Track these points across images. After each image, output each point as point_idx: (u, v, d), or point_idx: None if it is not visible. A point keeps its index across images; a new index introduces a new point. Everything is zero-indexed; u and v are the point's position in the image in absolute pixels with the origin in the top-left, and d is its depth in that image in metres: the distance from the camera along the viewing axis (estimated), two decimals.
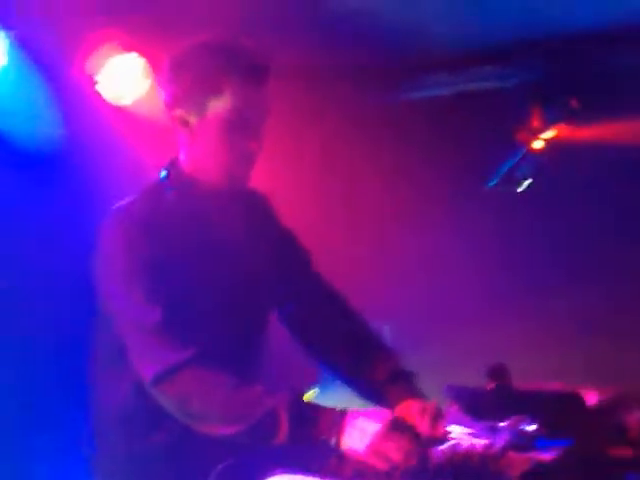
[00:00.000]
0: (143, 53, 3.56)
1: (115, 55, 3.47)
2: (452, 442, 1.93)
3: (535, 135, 4.57)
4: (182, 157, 2.09)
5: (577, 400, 2.16)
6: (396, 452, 1.73)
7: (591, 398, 2.31)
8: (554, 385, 2.30)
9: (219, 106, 1.99)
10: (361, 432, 1.75)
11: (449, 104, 4.56)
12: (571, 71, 4.26)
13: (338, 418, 1.78)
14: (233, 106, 1.98)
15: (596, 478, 1.95)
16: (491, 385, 2.19)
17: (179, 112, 2.02)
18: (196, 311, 1.91)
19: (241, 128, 2.00)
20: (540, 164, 4.68)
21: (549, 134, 4.53)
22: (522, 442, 1.94)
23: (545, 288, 4.66)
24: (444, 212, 4.79)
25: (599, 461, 2.03)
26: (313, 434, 1.76)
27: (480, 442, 1.92)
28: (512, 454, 1.87)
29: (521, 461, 1.84)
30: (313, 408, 1.82)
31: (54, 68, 3.18)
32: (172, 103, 2.03)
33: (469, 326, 4.53)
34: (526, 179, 4.81)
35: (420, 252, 4.74)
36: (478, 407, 2.12)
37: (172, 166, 2.10)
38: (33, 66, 3.09)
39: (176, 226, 2.00)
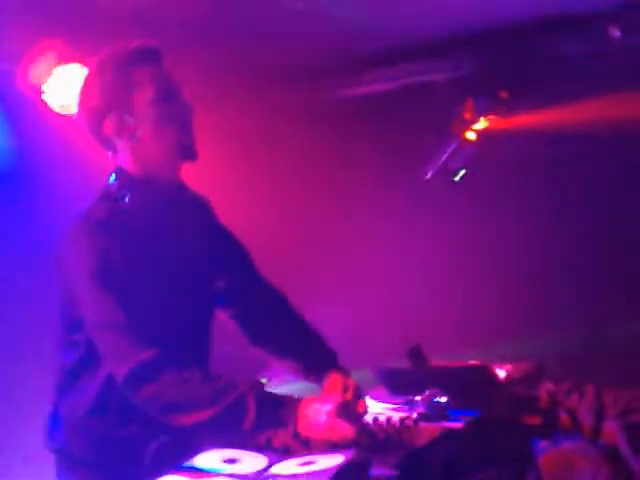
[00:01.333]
0: (85, 63, 3.70)
1: (58, 65, 3.60)
2: (372, 416, 2.16)
3: (468, 126, 4.75)
4: (125, 162, 2.17)
5: (485, 373, 2.38)
6: (349, 428, 1.91)
7: (504, 371, 2.55)
8: (465, 362, 2.51)
9: (140, 95, 2.11)
10: (315, 414, 1.93)
11: (389, 98, 4.72)
12: (500, 63, 4.44)
13: (295, 404, 1.97)
14: (153, 88, 2.12)
15: (504, 443, 2.15)
16: (409, 364, 2.40)
17: (113, 118, 2.11)
18: (156, 307, 2.03)
19: (169, 103, 2.13)
20: (473, 154, 4.87)
21: (481, 125, 4.71)
22: (435, 413, 2.17)
23: (482, 273, 4.89)
24: (388, 199, 4.98)
25: (506, 428, 2.26)
26: (275, 420, 1.94)
27: (397, 415, 2.15)
28: (424, 424, 2.09)
29: (431, 430, 2.05)
30: (274, 396, 2.00)
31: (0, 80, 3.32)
32: (103, 112, 2.12)
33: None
34: (461, 169, 5.00)
35: (361, 235, 4.94)
36: (400, 385, 2.34)
37: (119, 170, 2.18)
38: None
39: (132, 225, 2.09)
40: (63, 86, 3.63)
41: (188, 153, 2.18)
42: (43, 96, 3.58)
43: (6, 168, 3.38)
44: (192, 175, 2.32)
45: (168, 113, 2.13)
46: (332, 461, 1.65)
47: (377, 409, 2.26)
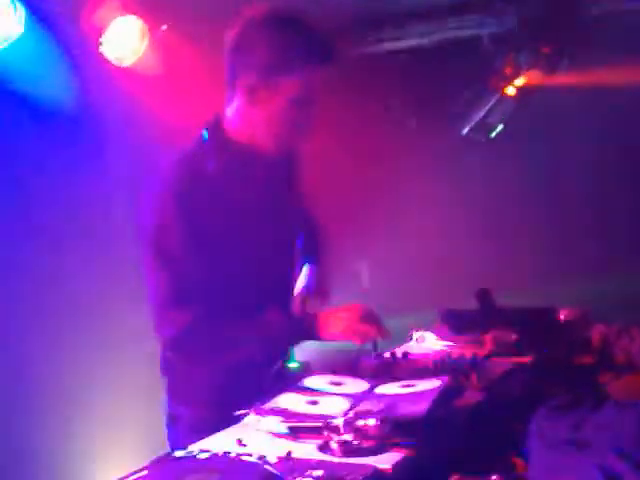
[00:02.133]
0: (140, 15, 3.80)
1: (115, 17, 3.69)
2: (445, 352, 2.32)
3: (508, 81, 4.82)
4: (231, 118, 2.23)
5: (550, 315, 2.54)
6: (372, 327, 2.11)
7: (561, 315, 2.70)
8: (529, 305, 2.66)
9: (290, 85, 2.12)
10: (336, 319, 2.14)
11: (428, 53, 4.79)
12: (544, 19, 4.48)
13: (315, 315, 2.20)
14: (301, 85, 2.13)
15: (563, 380, 2.30)
16: (477, 306, 2.56)
17: (246, 80, 2.15)
18: (236, 263, 2.18)
19: (303, 106, 2.17)
20: (512, 110, 4.95)
21: (521, 80, 4.78)
22: (503, 350, 2.33)
23: (524, 223, 5.01)
24: (427, 156, 5.09)
25: (566, 366, 2.41)
26: (300, 332, 2.18)
27: (469, 351, 2.31)
28: (495, 359, 2.25)
29: (502, 364, 2.21)
30: (294, 315, 2.30)
31: (63, 33, 3.43)
32: (239, 71, 2.16)
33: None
34: (498, 125, 5.09)
35: (404, 196, 5.06)
36: (467, 325, 2.49)
37: (215, 126, 2.24)
38: (45, 33, 3.32)
39: (220, 186, 2.18)
40: (120, 38, 3.74)
41: (285, 154, 2.33)
42: (100, 47, 3.67)
43: (70, 114, 3.51)
44: None
45: (295, 117, 2.19)
46: (431, 384, 1.80)
47: (446, 346, 2.42)
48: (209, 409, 2.17)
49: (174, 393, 2.31)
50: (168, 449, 2.14)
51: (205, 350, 2.16)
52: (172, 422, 2.32)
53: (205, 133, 2.26)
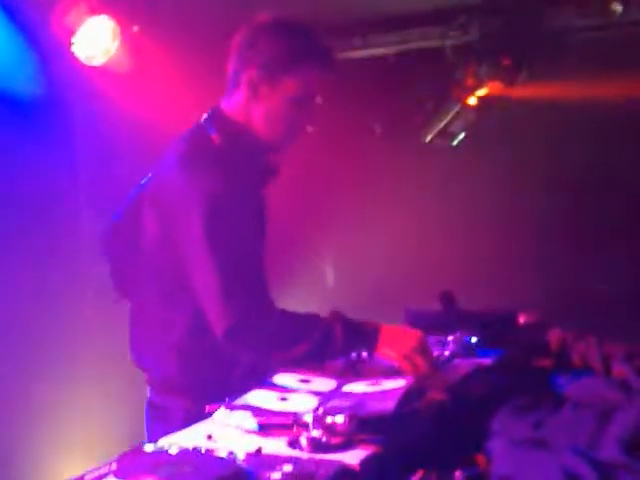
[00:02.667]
0: (111, 15, 3.81)
1: (87, 18, 3.70)
2: None
3: (469, 92, 4.93)
4: (234, 108, 2.32)
5: (511, 319, 2.61)
6: (424, 363, 2.09)
7: (520, 318, 2.77)
8: (491, 308, 2.73)
9: (292, 84, 2.25)
10: (395, 340, 2.11)
11: (392, 63, 4.87)
12: (504, 31, 4.60)
13: (377, 327, 2.15)
14: (302, 85, 2.25)
15: (523, 381, 2.37)
16: (441, 307, 2.62)
17: (249, 75, 2.26)
18: (252, 256, 2.20)
19: (300, 106, 2.28)
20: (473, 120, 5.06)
21: (482, 91, 4.89)
22: (465, 351, 2.39)
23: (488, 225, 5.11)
24: (393, 161, 5.17)
25: (526, 367, 2.49)
26: (359, 343, 2.14)
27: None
28: (458, 360, 2.32)
29: (464, 365, 2.27)
30: (357, 323, 2.18)
31: (35, 32, 3.43)
32: (244, 66, 2.28)
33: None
34: (460, 134, 5.20)
35: (371, 197, 5.12)
36: (430, 326, 2.55)
37: (217, 114, 2.32)
38: (15, 31, 3.32)
39: (231, 171, 2.22)
40: (90, 37, 3.74)
41: (277, 150, 2.38)
42: (71, 47, 3.68)
43: (37, 108, 3.53)
44: None
45: (292, 116, 2.29)
46: (396, 383, 1.85)
47: None
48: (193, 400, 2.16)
49: (169, 386, 2.31)
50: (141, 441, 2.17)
51: (266, 342, 2.13)
52: (158, 414, 2.33)
53: (207, 123, 2.32)
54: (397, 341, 2.11)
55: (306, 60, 2.26)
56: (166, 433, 1.75)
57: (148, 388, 2.41)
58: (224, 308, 2.07)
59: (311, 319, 2.15)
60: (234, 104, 2.34)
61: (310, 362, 2.08)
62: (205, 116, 2.35)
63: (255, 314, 2.09)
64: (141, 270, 2.38)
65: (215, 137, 2.29)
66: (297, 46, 2.26)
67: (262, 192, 2.40)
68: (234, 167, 2.24)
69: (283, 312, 2.14)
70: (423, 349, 2.13)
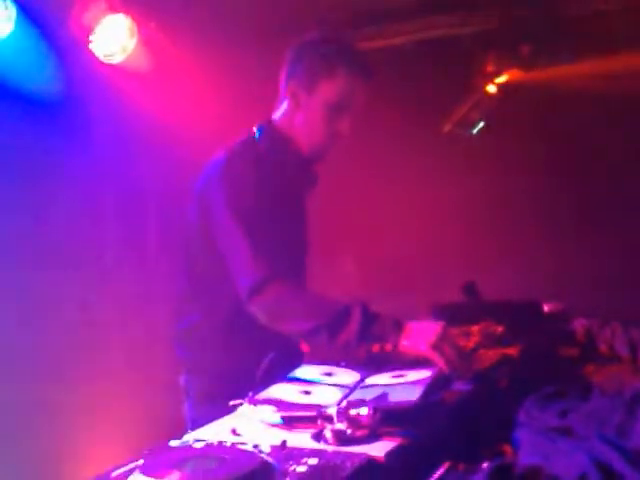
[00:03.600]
0: (128, 13, 3.82)
1: (105, 16, 3.71)
2: None
3: (489, 79, 4.89)
4: (280, 119, 2.49)
5: (535, 308, 2.59)
6: (452, 351, 2.07)
7: (545, 308, 2.75)
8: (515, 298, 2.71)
9: (328, 89, 2.38)
10: (420, 332, 2.11)
11: (412, 51, 4.84)
12: (524, 18, 4.56)
13: (399, 321, 2.17)
14: (340, 92, 2.38)
15: (549, 371, 2.36)
16: (465, 299, 2.61)
17: (292, 86, 2.43)
18: (279, 241, 2.31)
19: (339, 112, 2.40)
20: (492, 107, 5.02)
21: (502, 78, 4.85)
22: (490, 342, 2.38)
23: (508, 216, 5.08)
24: (407, 153, 5.13)
25: (551, 357, 2.47)
26: (377, 332, 2.15)
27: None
28: (483, 351, 2.30)
29: (489, 355, 2.26)
30: (377, 312, 2.21)
31: (53, 31, 3.45)
32: (289, 78, 2.45)
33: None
34: (480, 122, 5.16)
35: (388, 189, 5.11)
36: (455, 317, 2.54)
37: (267, 125, 2.50)
38: (35, 30, 3.34)
39: (269, 171, 2.40)
40: (109, 36, 3.75)
41: (318, 156, 2.52)
42: (90, 45, 3.69)
43: (58, 107, 3.55)
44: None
45: (330, 123, 2.42)
46: (421, 375, 1.84)
47: None
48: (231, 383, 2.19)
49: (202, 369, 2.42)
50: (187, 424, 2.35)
51: (286, 307, 2.21)
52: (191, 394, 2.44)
53: (257, 131, 2.49)
54: (422, 332, 2.12)
55: (340, 65, 2.38)
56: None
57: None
58: (253, 266, 2.22)
59: (332, 300, 2.22)
60: (281, 115, 2.50)
61: (322, 340, 2.13)
62: (256, 127, 2.51)
63: (281, 279, 2.21)
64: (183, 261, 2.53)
65: (261, 143, 2.46)
66: (332, 52, 2.39)
67: (302, 200, 2.58)
68: (273, 167, 2.42)
69: (305, 288, 2.30)
70: (449, 339, 2.13)
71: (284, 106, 2.49)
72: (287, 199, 2.49)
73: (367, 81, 2.43)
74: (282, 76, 2.49)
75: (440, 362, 2.02)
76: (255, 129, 2.50)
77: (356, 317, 2.13)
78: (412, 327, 2.15)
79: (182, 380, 2.50)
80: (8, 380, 3.41)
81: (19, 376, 3.48)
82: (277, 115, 2.52)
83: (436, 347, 2.06)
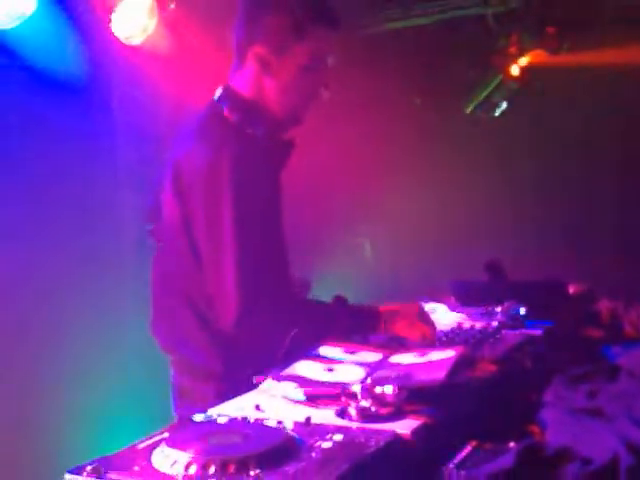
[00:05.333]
0: None
1: None
2: (455, 323, 2.34)
3: (511, 61, 4.84)
4: (245, 86, 2.30)
5: (560, 288, 2.56)
6: (429, 329, 2.19)
7: (569, 289, 2.72)
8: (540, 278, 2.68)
9: (299, 50, 2.24)
10: (398, 316, 2.23)
11: (436, 31, 4.80)
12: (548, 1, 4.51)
13: (377, 309, 2.26)
14: (312, 51, 2.25)
15: (574, 352, 2.33)
16: (488, 278, 2.57)
17: (257, 50, 2.25)
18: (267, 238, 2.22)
19: (314, 72, 2.27)
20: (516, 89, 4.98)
21: (524, 60, 4.80)
22: (514, 322, 2.35)
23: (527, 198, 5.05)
24: (428, 134, 5.11)
25: (576, 338, 2.44)
26: (363, 323, 2.24)
27: (479, 323, 2.33)
28: (506, 331, 2.28)
29: (513, 336, 2.23)
30: (355, 306, 2.29)
31: (74, 10, 3.44)
32: (250, 42, 2.26)
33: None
34: (502, 104, 5.11)
35: (409, 171, 5.07)
36: (477, 296, 2.51)
37: (230, 94, 2.30)
38: (57, 10, 3.33)
39: (249, 155, 2.20)
40: (129, 16, 3.73)
41: (297, 120, 2.36)
42: (110, 25, 3.67)
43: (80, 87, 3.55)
44: None
45: (305, 84, 2.29)
46: (444, 354, 1.82)
47: (457, 318, 2.44)
48: (224, 383, 2.20)
49: (190, 369, 2.33)
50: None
51: (273, 329, 2.12)
52: (182, 395, 2.35)
53: (222, 105, 2.30)
54: (399, 316, 2.23)
55: (312, 25, 2.22)
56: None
57: (173, 371, 2.40)
58: (236, 297, 2.09)
59: (312, 306, 2.27)
60: (244, 81, 2.32)
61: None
62: (217, 94, 2.33)
63: (264, 305, 2.11)
64: (162, 252, 2.40)
65: (229, 115, 2.27)
66: (300, 13, 2.22)
67: (281, 168, 2.38)
68: (251, 144, 2.23)
69: (291, 301, 2.23)
70: (424, 317, 2.25)
71: (246, 71, 2.30)
72: (268, 181, 2.29)
73: (337, 31, 2.27)
74: (238, 37, 2.30)
75: (418, 340, 2.13)
76: (216, 98, 2.30)
77: (340, 319, 2.21)
78: (389, 312, 2.25)
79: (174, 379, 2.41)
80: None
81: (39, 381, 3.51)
82: (239, 82, 2.31)
83: (412, 326, 2.19)
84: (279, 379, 1.74)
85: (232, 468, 1.32)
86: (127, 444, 1.46)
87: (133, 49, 3.80)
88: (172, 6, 3.89)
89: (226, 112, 2.28)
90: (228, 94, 2.32)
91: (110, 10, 3.63)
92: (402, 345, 2.08)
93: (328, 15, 2.26)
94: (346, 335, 2.14)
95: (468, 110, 5.17)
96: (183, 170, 2.24)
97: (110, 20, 3.65)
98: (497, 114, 5.19)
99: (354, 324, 2.23)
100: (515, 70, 4.85)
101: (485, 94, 5.06)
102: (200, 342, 2.27)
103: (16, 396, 3.46)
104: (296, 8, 2.23)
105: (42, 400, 3.55)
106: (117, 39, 3.70)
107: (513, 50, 4.76)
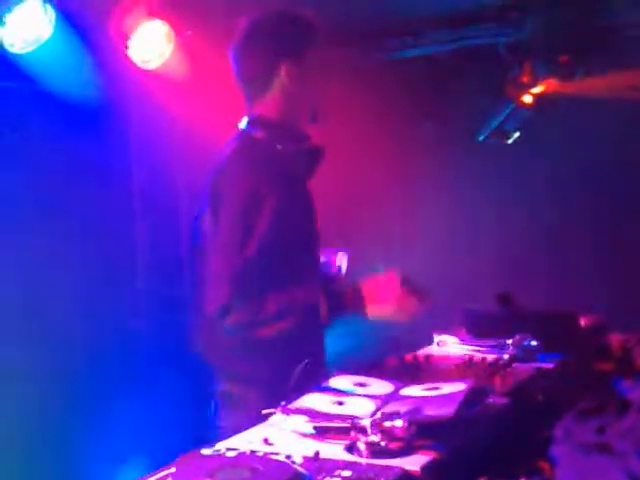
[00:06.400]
0: (166, 20, 3.84)
1: (143, 22, 3.73)
2: (467, 356, 2.33)
3: (525, 90, 4.84)
4: (268, 108, 2.51)
5: (572, 320, 2.55)
6: (412, 302, 2.33)
7: (582, 321, 2.71)
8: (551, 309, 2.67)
9: (289, 69, 2.46)
10: (380, 295, 2.35)
11: (447, 60, 4.82)
12: (561, 28, 4.51)
13: (359, 290, 2.37)
14: (307, 66, 2.48)
15: (584, 386, 2.32)
16: (499, 308, 2.56)
17: (285, 64, 2.46)
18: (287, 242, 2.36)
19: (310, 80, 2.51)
20: (529, 117, 4.97)
21: (538, 89, 4.80)
22: (526, 355, 2.34)
23: (536, 229, 5.03)
24: (440, 163, 5.11)
25: (587, 371, 2.43)
26: (343, 308, 2.37)
27: (490, 356, 2.32)
28: (517, 365, 2.26)
29: (524, 370, 2.22)
30: (337, 286, 2.42)
31: (91, 35, 3.48)
32: (275, 58, 2.47)
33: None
34: (515, 132, 5.11)
35: (414, 200, 5.09)
36: (489, 328, 2.51)
37: (253, 117, 2.52)
38: (74, 34, 3.37)
39: (274, 162, 2.44)
40: (146, 42, 3.77)
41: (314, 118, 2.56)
42: (127, 50, 3.71)
43: (96, 112, 3.59)
44: None
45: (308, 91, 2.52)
46: (456, 387, 1.81)
47: (467, 350, 2.44)
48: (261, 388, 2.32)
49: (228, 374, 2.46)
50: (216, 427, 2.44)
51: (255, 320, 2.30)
52: (225, 401, 2.48)
53: (244, 121, 2.53)
54: (381, 295, 2.34)
55: (308, 48, 2.48)
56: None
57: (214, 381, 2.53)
58: (218, 291, 2.30)
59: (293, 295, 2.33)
60: (267, 103, 2.52)
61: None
62: (244, 123, 2.54)
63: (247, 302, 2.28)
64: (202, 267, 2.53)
65: (258, 135, 2.48)
66: (299, 39, 2.48)
67: (311, 177, 2.57)
68: (281, 157, 2.45)
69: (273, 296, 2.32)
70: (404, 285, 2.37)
71: (270, 94, 2.50)
72: (297, 190, 2.48)
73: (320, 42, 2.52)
74: (261, 60, 2.50)
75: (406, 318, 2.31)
76: (244, 127, 2.53)
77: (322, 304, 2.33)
78: (369, 292, 2.35)
79: (215, 387, 2.52)
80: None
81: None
82: (263, 107, 2.52)
83: (396, 306, 2.33)
84: (288, 412, 1.74)
85: None
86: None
87: (149, 74, 3.85)
88: (189, 33, 3.94)
89: (255, 134, 2.49)
90: (254, 119, 2.52)
91: (127, 35, 3.69)
92: (413, 376, 2.08)
93: (318, 37, 2.51)
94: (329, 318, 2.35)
95: (480, 138, 5.18)
96: (218, 189, 2.42)
97: (127, 45, 3.71)
98: (510, 142, 5.19)
99: (339, 309, 2.37)
100: (528, 98, 4.86)
101: (498, 122, 5.07)
102: (237, 348, 2.42)
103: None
104: (299, 25, 2.50)
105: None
106: (133, 64, 3.76)
107: (525, 79, 4.76)
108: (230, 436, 1.72)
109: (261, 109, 2.52)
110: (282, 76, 2.47)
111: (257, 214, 2.30)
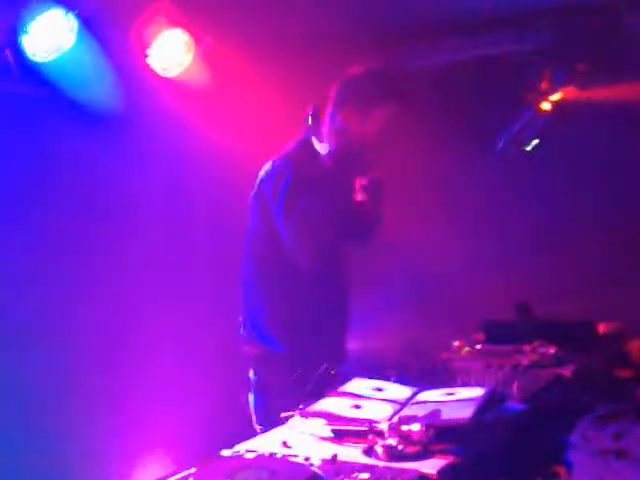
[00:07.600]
0: (186, 29, 3.88)
1: (163, 30, 3.77)
2: (484, 363, 2.33)
3: (543, 97, 4.84)
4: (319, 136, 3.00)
5: (590, 328, 2.55)
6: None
7: (600, 328, 2.70)
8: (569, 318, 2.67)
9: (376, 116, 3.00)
10: None
11: (467, 68, 4.82)
12: (580, 36, 4.51)
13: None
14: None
15: (602, 392, 2.32)
16: (517, 317, 2.58)
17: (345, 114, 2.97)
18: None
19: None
20: (547, 125, 4.96)
21: (556, 96, 4.80)
22: (543, 362, 2.34)
23: (554, 236, 5.01)
24: (458, 169, 5.10)
25: (605, 378, 2.42)
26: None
27: (509, 363, 2.33)
28: (535, 370, 2.27)
29: (542, 375, 2.22)
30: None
31: (112, 44, 3.52)
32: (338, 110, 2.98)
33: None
34: (534, 139, 5.10)
35: (437, 206, 5.08)
36: (507, 335, 2.51)
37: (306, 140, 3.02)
38: (95, 43, 3.41)
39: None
40: (166, 50, 3.81)
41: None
42: (147, 59, 3.75)
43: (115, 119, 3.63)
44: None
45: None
46: (473, 392, 1.82)
47: (485, 356, 2.44)
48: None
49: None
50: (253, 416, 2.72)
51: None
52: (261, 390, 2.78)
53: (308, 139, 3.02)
54: None
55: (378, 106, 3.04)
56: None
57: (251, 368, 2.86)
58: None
59: None
60: (331, 131, 3.00)
61: None
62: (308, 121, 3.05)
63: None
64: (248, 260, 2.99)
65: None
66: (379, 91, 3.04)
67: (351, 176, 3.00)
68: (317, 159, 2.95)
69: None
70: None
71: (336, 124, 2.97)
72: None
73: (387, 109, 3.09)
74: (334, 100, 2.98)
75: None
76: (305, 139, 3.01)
77: None
78: None
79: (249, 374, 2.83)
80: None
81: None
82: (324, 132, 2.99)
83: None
84: (307, 415, 1.76)
85: None
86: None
87: (169, 82, 3.88)
88: (209, 41, 3.98)
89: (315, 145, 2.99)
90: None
91: (147, 44, 3.73)
92: (430, 381, 2.08)
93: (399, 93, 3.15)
94: None
95: (499, 146, 5.17)
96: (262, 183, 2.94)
97: (147, 54, 3.75)
98: (528, 150, 5.18)
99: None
100: (547, 106, 4.85)
101: (516, 130, 5.06)
102: (275, 330, 2.80)
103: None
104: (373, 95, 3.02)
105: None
106: (153, 72, 3.79)
107: (544, 86, 4.76)
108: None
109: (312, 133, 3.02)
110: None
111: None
